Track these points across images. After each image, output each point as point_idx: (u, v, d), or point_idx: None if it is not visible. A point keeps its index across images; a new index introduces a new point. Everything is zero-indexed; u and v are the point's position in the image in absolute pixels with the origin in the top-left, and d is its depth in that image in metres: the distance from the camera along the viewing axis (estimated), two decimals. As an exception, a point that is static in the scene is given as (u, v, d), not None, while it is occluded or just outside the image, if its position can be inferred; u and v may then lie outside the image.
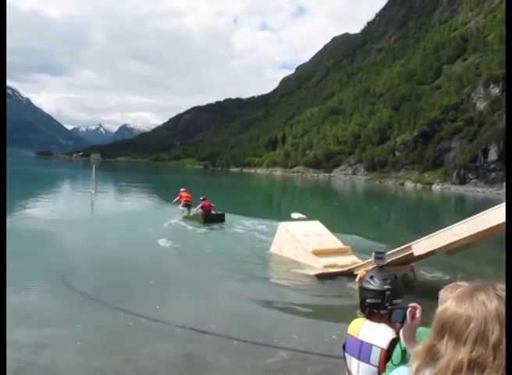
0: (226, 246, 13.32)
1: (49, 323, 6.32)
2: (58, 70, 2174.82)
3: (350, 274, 9.71)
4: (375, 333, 2.36)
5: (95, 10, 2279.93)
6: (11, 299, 6.95)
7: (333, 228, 17.52)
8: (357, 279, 9.20)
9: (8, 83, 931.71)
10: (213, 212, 18.14)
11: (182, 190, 19.46)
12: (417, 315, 2.00)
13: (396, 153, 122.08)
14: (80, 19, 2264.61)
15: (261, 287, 9.00)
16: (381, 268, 2.61)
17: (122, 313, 6.73)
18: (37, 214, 18.33)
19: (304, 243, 11.75)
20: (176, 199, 19.38)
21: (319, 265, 10.87)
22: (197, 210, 18.32)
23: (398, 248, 8.88)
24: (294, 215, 18.34)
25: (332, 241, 12.31)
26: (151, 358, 5.35)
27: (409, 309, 2.01)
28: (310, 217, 17.01)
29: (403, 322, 2.03)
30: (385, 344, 2.29)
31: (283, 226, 12.85)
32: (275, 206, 34.76)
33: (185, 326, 6.31)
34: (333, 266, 10.88)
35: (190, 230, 16.00)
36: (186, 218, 18.03)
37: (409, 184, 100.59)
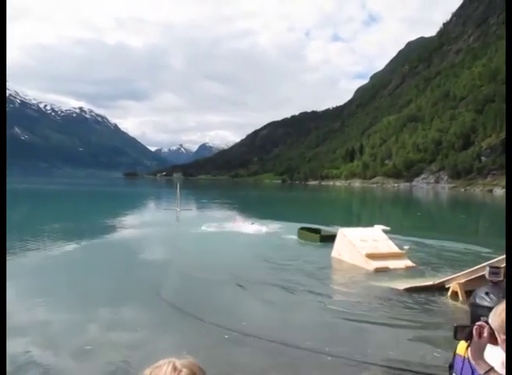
0: (304, 257, 13.80)
1: (150, 336, 6.77)
2: (141, 96, 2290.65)
3: (441, 288, 9.37)
4: (490, 356, 2.11)
5: (173, 37, 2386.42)
6: (112, 314, 7.76)
7: (417, 238, 17.52)
8: (449, 293, 9.07)
9: (98, 111, 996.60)
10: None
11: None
12: (485, 334, 1.89)
13: (482, 158, 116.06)
14: (160, 47, 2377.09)
15: (347, 301, 8.95)
16: (495, 284, 2.40)
17: (214, 327, 7.05)
18: (132, 231, 19.58)
19: (359, 247, 12.49)
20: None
21: (371, 267, 11.66)
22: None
23: (494, 260, 8.09)
24: (377, 227, 18.40)
25: (387, 245, 12.86)
26: (246, 372, 5.62)
27: (475, 327, 1.91)
28: (392, 228, 17.07)
29: (469, 340, 1.94)
30: (501, 369, 2.04)
31: (342, 231, 13.66)
32: (355, 218, 34.42)
33: (275, 340, 6.49)
34: (385, 268, 11.58)
35: (271, 244, 16.54)
36: (301, 237, 17.77)
37: (498, 191, 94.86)
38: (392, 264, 11.88)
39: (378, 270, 11.52)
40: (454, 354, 2.32)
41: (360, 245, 12.59)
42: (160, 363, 1.19)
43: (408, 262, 12.08)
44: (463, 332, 1.94)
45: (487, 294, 2.31)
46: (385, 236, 13.52)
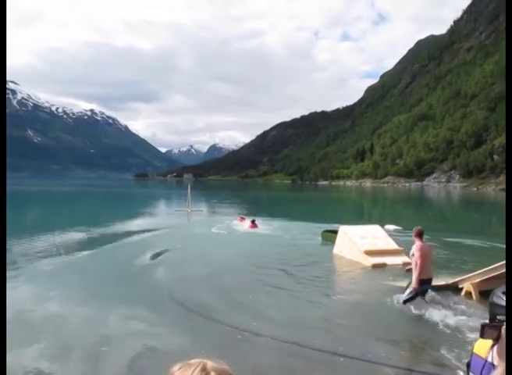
0: (310, 255, 13.97)
1: (163, 336, 6.75)
2: (151, 97, 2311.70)
3: (454, 288, 9.31)
4: None
5: (181, 39, 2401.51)
6: (124, 315, 7.72)
7: (428, 237, 17.34)
8: (462, 293, 8.95)
9: (108, 112, 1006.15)
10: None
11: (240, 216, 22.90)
12: None
13: (495, 157, 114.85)
14: (168, 49, 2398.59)
15: (358, 300, 8.93)
16: None
17: (227, 327, 7.04)
18: (144, 233, 19.43)
19: (358, 244, 12.90)
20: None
21: (369, 263, 12.10)
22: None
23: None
24: (388, 226, 18.35)
25: (386, 242, 13.20)
26: (259, 372, 5.61)
27: (504, 327, 1.86)
28: (403, 228, 16.88)
29: (497, 339, 1.92)
30: None
31: (343, 229, 14.07)
32: (367, 218, 34.22)
33: (288, 340, 6.46)
34: (382, 265, 11.95)
35: (280, 244, 16.53)
36: (325, 239, 17.39)
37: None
38: (389, 260, 12.21)
39: (375, 266, 11.88)
40: (472, 353, 2.27)
41: (360, 242, 13.00)
42: (191, 362, 1.18)
43: (406, 259, 12.12)
44: (490, 331, 1.92)
45: (504, 293, 2.20)
46: (384, 233, 13.87)
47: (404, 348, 6.34)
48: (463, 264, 12.39)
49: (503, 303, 2.15)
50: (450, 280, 9.58)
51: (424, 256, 8.02)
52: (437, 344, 6.41)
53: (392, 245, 13.10)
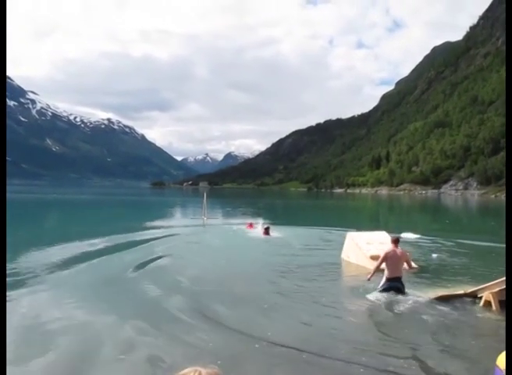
0: (319, 262, 13.98)
1: (179, 344, 6.71)
2: (166, 106, 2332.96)
3: (473, 297, 9.12)
4: None
5: (196, 48, 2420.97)
6: (140, 322, 7.70)
7: (446, 245, 17.30)
8: (481, 302, 8.86)
9: (125, 121, 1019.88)
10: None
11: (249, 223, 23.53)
12: None
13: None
14: (184, 58, 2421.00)
15: (375, 309, 8.72)
16: None
17: (243, 336, 6.99)
18: (160, 240, 19.47)
19: (364, 249, 13.21)
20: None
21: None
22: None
23: None
24: (405, 234, 18.37)
25: None
26: None
27: None
28: (421, 236, 16.70)
29: None
30: None
31: (350, 235, 14.41)
32: (383, 225, 33.89)
33: (305, 350, 6.37)
34: None
35: (291, 250, 16.50)
36: None
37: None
38: None
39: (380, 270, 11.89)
40: (494, 366, 2.28)
41: (366, 248, 13.33)
42: (185, 371, 1.19)
43: (411, 265, 12.10)
44: None
45: None
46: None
47: (424, 357, 6.21)
48: (481, 272, 12.23)
49: None
50: (469, 289, 9.45)
51: (389, 259, 9.44)
52: (458, 354, 6.33)
53: None
